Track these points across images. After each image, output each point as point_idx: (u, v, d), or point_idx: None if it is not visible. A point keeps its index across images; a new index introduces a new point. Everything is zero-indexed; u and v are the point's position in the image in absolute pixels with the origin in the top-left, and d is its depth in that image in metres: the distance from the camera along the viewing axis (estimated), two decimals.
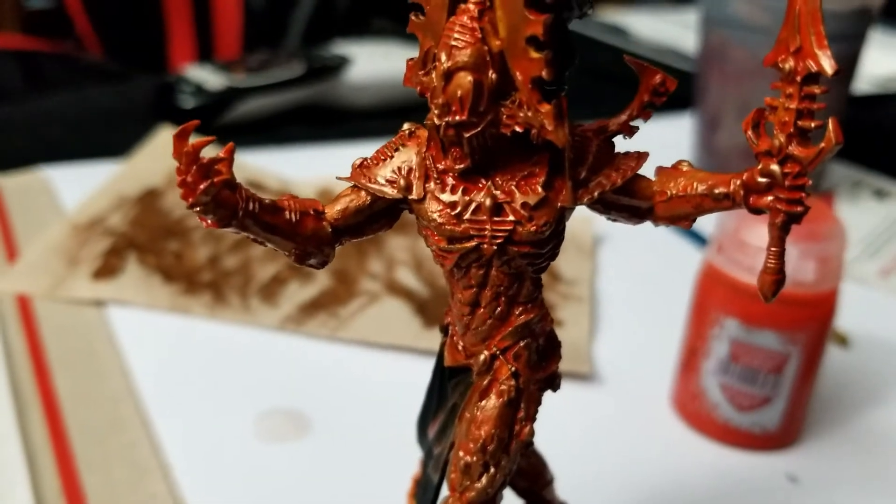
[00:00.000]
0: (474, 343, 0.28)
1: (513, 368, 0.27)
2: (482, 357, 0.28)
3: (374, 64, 0.90)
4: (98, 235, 0.59)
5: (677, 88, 0.25)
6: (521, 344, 0.27)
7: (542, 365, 0.28)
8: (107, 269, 0.55)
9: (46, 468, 0.41)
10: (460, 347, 0.28)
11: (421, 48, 0.25)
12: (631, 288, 0.61)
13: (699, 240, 0.67)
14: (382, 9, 1.26)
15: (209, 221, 0.24)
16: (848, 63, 0.70)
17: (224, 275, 0.56)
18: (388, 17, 1.23)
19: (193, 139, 0.23)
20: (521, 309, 0.27)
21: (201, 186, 0.22)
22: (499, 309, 0.27)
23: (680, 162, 0.26)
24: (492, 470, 0.28)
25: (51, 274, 0.54)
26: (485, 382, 0.28)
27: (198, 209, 0.23)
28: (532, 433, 0.28)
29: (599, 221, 0.69)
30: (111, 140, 0.74)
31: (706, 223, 0.38)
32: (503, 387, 0.27)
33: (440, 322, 0.30)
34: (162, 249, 0.58)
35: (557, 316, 0.55)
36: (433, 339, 0.47)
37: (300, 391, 0.47)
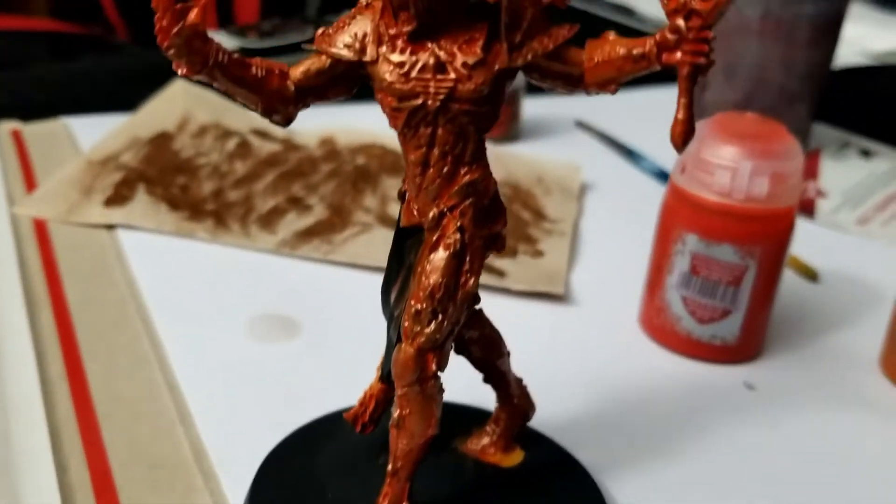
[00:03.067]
0: (426, 203, 0.31)
1: (459, 224, 0.31)
2: (431, 214, 0.31)
3: None
4: (111, 170, 0.63)
5: None
6: (467, 202, 0.31)
7: (486, 224, 0.31)
8: (117, 197, 0.59)
9: (53, 356, 0.45)
10: (414, 210, 0.32)
11: None
12: (613, 228, 0.64)
13: None
14: None
15: (183, 68, 0.27)
16: (832, 21, 0.73)
17: (226, 205, 0.60)
18: None
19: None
20: (466, 169, 0.30)
21: (174, 29, 0.26)
22: (446, 168, 0.30)
23: (607, 32, 0.29)
24: (440, 317, 0.31)
25: (65, 201, 0.58)
26: (434, 237, 0.31)
27: (171, 52, 0.27)
28: (476, 286, 0.31)
29: (588, 170, 0.72)
30: (131, 97, 0.78)
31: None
32: (449, 240, 0.31)
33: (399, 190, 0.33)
34: (170, 182, 0.62)
35: (538, 248, 0.58)
36: None
37: (291, 301, 0.51)
